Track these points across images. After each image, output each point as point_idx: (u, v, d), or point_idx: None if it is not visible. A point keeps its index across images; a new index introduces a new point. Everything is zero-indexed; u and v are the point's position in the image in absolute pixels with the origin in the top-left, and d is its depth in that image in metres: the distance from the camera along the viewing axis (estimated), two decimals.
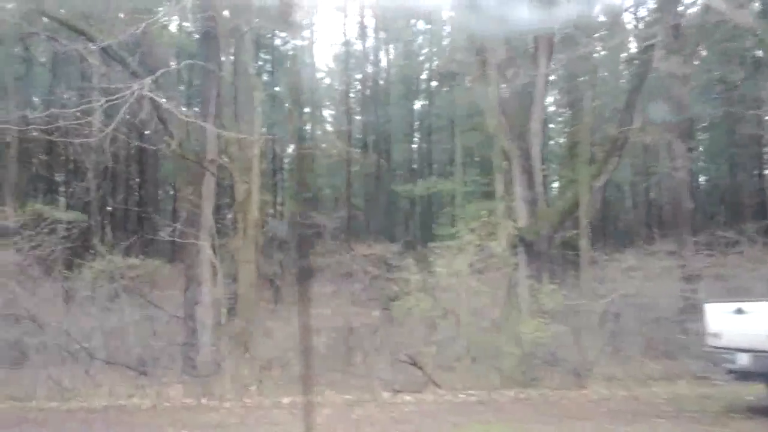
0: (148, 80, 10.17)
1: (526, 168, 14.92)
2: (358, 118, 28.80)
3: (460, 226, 14.43)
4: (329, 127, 31.02)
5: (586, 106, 17.05)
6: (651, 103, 15.57)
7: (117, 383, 11.53)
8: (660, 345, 12.66)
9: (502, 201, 14.28)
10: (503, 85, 15.11)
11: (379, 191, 25.03)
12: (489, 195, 22.15)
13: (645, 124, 15.24)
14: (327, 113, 31.72)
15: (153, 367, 12.80)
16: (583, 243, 14.47)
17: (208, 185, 13.53)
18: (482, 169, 22.96)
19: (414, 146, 29.28)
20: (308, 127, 28.10)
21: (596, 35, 15.83)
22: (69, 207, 19.52)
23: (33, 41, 19.71)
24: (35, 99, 21.33)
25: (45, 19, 14.29)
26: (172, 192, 24.50)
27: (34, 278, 13.29)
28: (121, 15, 13.29)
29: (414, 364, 10.87)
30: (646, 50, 13.54)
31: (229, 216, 13.86)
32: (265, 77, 25.74)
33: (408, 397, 10.17)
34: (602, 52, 18.07)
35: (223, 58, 14.24)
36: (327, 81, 31.53)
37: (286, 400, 9.98)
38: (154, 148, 15.83)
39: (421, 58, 29.16)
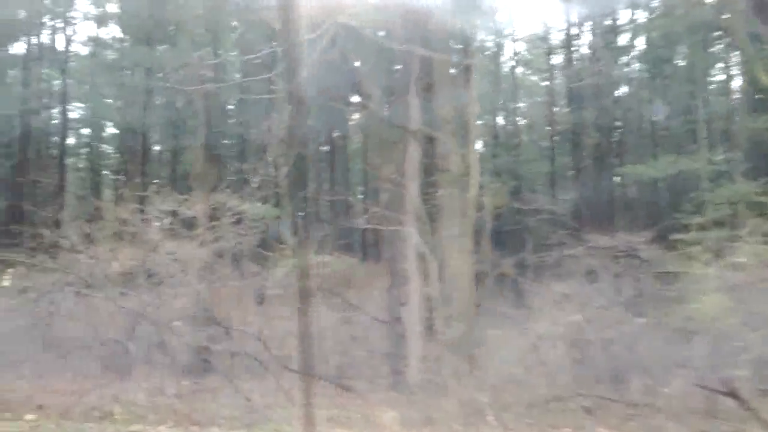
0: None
1: None
2: (562, 109, 25.71)
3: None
4: (523, 119, 28.29)
5: None
6: None
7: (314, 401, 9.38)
8: None
9: None
10: None
11: (602, 174, 21.31)
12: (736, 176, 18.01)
13: None
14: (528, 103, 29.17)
15: (355, 381, 10.70)
16: None
17: (412, 161, 11.11)
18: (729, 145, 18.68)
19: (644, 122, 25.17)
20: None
21: None
22: (257, 197, 18.26)
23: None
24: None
25: None
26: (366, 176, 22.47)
27: (220, 276, 11.69)
28: None
29: (731, 394, 7.43)
30: None
31: (439, 194, 11.08)
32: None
33: None
34: None
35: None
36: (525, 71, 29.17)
37: None
38: (345, 106, 13.65)
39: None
